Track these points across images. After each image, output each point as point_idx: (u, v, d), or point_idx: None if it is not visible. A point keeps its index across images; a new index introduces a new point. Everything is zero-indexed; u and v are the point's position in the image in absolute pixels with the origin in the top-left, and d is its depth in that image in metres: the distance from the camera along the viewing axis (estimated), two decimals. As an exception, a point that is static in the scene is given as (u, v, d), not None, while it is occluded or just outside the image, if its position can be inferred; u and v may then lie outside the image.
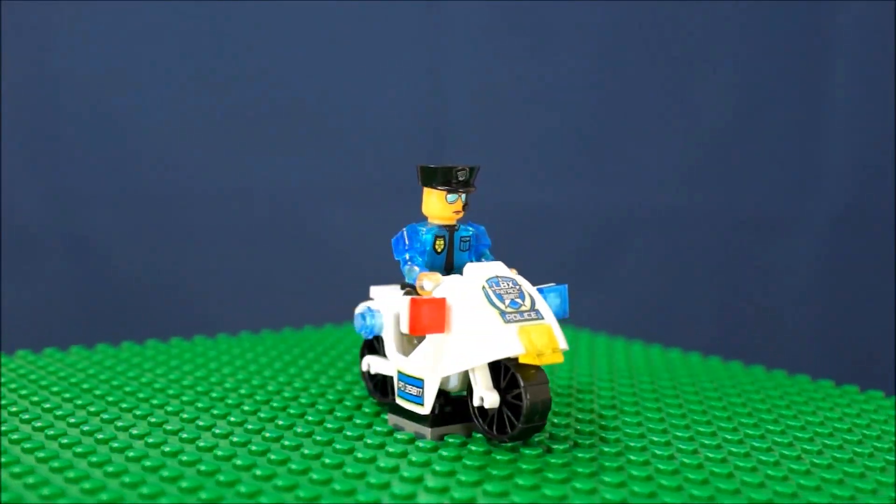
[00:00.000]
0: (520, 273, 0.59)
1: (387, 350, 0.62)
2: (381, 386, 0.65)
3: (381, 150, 1.26)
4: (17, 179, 1.20)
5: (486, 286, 0.57)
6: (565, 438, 0.59)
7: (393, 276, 0.63)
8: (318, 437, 0.58)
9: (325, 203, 1.26)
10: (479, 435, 0.59)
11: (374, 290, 0.64)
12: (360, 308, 0.63)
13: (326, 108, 1.25)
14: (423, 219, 0.61)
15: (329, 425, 0.61)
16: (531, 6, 1.24)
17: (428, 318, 0.56)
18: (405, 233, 0.61)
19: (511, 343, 0.54)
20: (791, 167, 1.25)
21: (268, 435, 0.59)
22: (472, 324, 0.56)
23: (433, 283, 0.58)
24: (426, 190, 0.60)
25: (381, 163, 1.25)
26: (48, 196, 1.22)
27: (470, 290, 0.57)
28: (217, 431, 0.60)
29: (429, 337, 0.58)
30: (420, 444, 0.58)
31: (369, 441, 0.58)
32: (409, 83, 1.26)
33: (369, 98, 1.26)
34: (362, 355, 0.66)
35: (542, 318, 0.56)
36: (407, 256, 0.60)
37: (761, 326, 1.26)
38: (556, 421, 0.63)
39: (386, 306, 0.62)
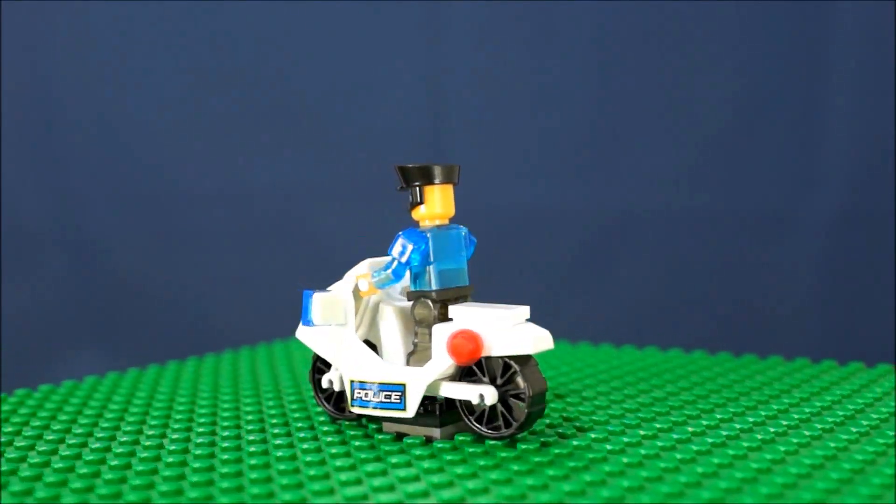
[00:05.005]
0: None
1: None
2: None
3: (382, 152, 1.26)
4: (17, 179, 1.20)
5: None
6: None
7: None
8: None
9: (326, 204, 1.26)
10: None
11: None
12: None
13: (326, 108, 1.25)
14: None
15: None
16: (530, 6, 1.24)
17: None
18: None
19: None
20: (791, 167, 1.24)
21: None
22: None
23: None
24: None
25: (382, 163, 1.25)
26: (48, 196, 1.22)
27: None
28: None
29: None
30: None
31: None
32: (408, 83, 1.26)
33: (368, 99, 1.26)
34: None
35: None
36: None
37: (761, 326, 1.26)
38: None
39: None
